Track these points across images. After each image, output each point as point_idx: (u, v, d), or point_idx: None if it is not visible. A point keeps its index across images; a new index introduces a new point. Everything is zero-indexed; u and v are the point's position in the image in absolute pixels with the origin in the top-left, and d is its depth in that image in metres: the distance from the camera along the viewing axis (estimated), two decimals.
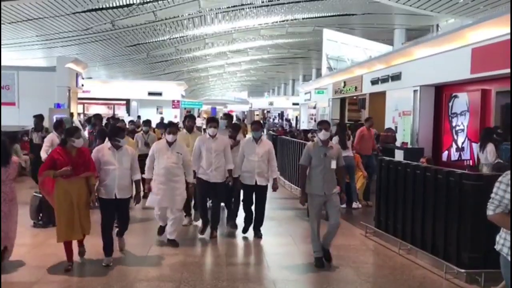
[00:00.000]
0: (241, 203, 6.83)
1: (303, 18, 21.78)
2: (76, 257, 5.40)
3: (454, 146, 11.14)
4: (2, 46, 20.03)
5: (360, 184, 8.89)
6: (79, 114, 21.32)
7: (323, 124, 5.62)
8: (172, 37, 23.66)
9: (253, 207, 6.74)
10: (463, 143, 10.79)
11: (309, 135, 15.04)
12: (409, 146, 12.02)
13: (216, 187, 6.38)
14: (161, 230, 6.46)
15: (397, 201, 6.23)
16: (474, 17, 14.52)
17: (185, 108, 30.54)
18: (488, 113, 9.96)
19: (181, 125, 12.98)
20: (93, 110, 27.04)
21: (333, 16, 20.97)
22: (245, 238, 6.71)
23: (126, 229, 5.80)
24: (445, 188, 5.26)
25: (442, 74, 10.80)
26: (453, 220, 5.14)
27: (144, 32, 21.67)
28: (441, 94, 11.77)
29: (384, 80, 14.33)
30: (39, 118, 10.25)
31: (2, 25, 16.43)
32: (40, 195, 6.61)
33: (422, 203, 5.66)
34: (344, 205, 9.08)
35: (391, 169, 6.36)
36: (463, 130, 10.80)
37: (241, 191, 6.77)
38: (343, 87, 18.98)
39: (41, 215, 6.97)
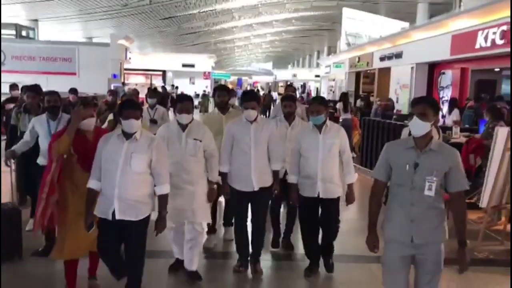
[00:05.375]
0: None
1: None
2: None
3: (440, 113, 13.51)
4: (48, 19, 22.86)
5: (355, 140, 11.44)
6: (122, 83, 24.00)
7: (418, 106, 2.77)
8: (201, 11, 25.28)
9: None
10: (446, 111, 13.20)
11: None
12: (402, 113, 14.50)
13: (257, 197, 4.28)
14: (176, 265, 4.33)
15: (376, 147, 8.83)
16: None
17: (214, 79, 32.86)
18: (466, 87, 12.35)
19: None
20: (132, 80, 30.00)
21: None
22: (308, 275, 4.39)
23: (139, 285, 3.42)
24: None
25: (431, 55, 13.13)
26: None
27: (176, 6, 23.12)
28: (433, 71, 14.12)
29: (390, 57, 16.63)
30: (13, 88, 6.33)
31: (50, 1, 18.73)
32: None
33: None
34: None
35: (371, 125, 9.13)
36: (447, 100, 13.17)
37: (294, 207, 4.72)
38: (358, 62, 21.28)
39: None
